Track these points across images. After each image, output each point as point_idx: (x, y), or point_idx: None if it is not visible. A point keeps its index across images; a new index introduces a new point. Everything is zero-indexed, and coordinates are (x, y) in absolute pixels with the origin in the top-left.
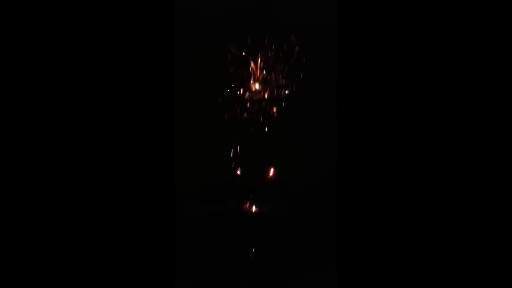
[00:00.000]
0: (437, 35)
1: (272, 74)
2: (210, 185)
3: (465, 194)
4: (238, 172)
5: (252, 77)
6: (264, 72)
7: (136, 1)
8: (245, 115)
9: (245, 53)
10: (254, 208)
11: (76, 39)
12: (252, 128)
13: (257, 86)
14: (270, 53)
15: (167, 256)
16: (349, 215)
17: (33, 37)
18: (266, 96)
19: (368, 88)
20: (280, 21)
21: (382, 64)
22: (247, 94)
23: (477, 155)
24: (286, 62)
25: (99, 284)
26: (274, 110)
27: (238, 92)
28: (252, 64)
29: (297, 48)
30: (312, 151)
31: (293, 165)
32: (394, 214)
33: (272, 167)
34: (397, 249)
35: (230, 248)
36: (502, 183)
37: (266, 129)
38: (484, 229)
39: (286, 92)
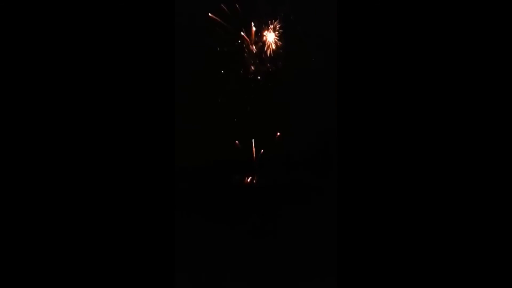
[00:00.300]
0: (435, 29)
1: (265, 46)
2: (213, 163)
3: (466, 187)
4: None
5: (245, 51)
6: (255, 46)
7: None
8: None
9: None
10: (255, 181)
11: (76, 41)
12: (249, 105)
13: (250, 60)
14: (263, 25)
15: (167, 253)
16: (349, 194)
17: (33, 38)
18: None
19: (368, 55)
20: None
21: (382, 32)
22: (242, 70)
23: (477, 143)
24: (279, 31)
25: (99, 281)
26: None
27: (232, 69)
28: (245, 37)
29: (291, 16)
30: (312, 122)
31: (293, 137)
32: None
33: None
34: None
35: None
36: (502, 183)
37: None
38: (484, 229)
39: (280, 63)
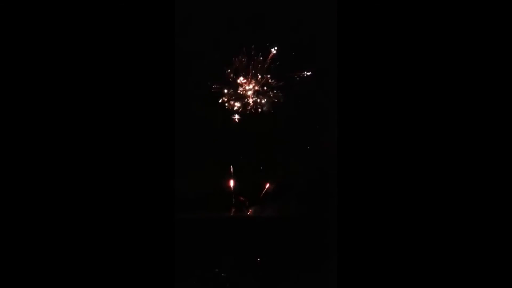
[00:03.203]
0: (435, 33)
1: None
2: (210, 193)
3: (464, 187)
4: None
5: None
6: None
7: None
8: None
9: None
10: (254, 213)
11: (78, 43)
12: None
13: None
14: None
15: (167, 258)
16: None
17: (37, 38)
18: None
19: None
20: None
21: (380, 66)
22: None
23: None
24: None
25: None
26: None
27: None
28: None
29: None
30: (310, 152)
31: (289, 170)
32: (393, 215)
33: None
34: (396, 246)
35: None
36: (502, 183)
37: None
38: (483, 227)
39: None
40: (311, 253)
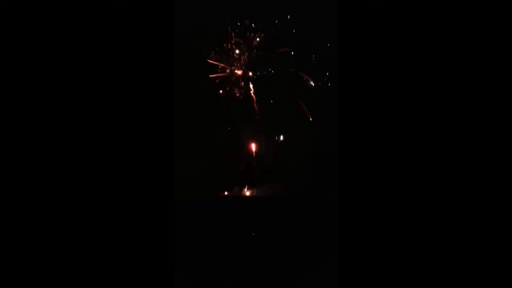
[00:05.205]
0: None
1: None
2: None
3: (463, 183)
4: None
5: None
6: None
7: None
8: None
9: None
10: (255, 193)
11: (78, 42)
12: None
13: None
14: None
15: (167, 245)
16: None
17: (41, 39)
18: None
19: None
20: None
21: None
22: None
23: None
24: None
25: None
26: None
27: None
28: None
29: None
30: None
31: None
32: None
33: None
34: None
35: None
36: (502, 182)
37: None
38: (483, 224)
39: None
40: (310, 235)
